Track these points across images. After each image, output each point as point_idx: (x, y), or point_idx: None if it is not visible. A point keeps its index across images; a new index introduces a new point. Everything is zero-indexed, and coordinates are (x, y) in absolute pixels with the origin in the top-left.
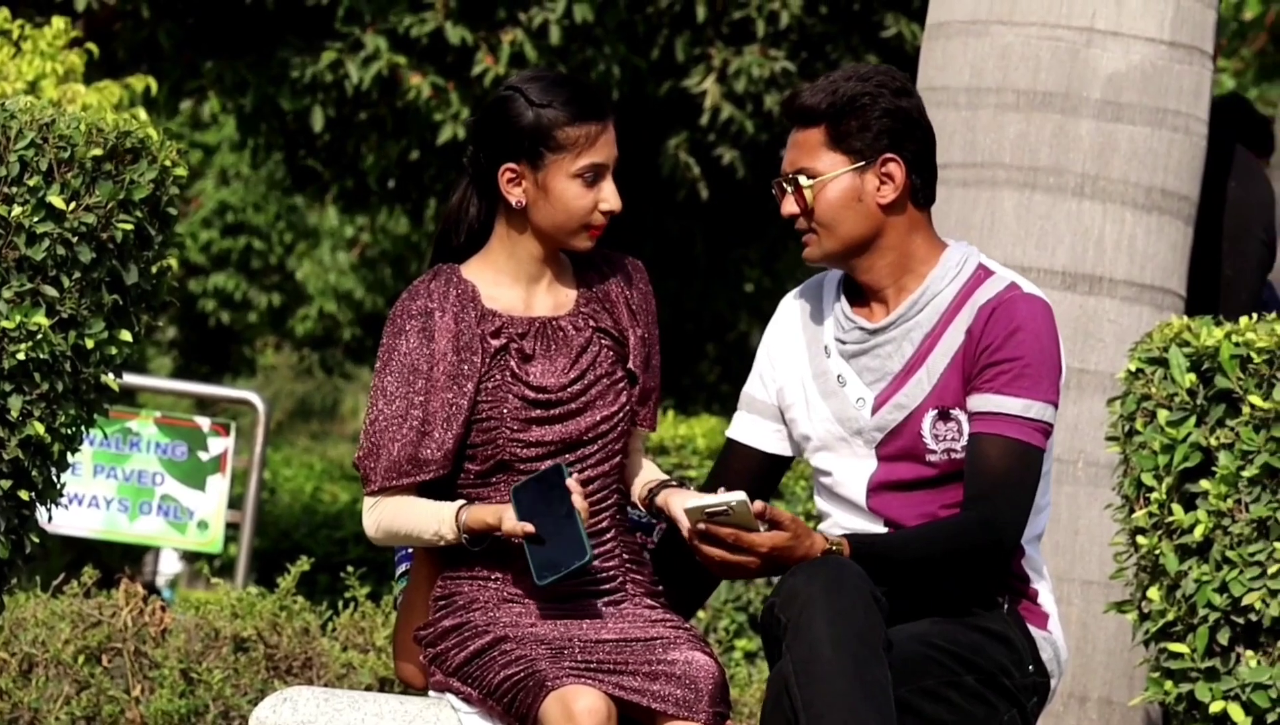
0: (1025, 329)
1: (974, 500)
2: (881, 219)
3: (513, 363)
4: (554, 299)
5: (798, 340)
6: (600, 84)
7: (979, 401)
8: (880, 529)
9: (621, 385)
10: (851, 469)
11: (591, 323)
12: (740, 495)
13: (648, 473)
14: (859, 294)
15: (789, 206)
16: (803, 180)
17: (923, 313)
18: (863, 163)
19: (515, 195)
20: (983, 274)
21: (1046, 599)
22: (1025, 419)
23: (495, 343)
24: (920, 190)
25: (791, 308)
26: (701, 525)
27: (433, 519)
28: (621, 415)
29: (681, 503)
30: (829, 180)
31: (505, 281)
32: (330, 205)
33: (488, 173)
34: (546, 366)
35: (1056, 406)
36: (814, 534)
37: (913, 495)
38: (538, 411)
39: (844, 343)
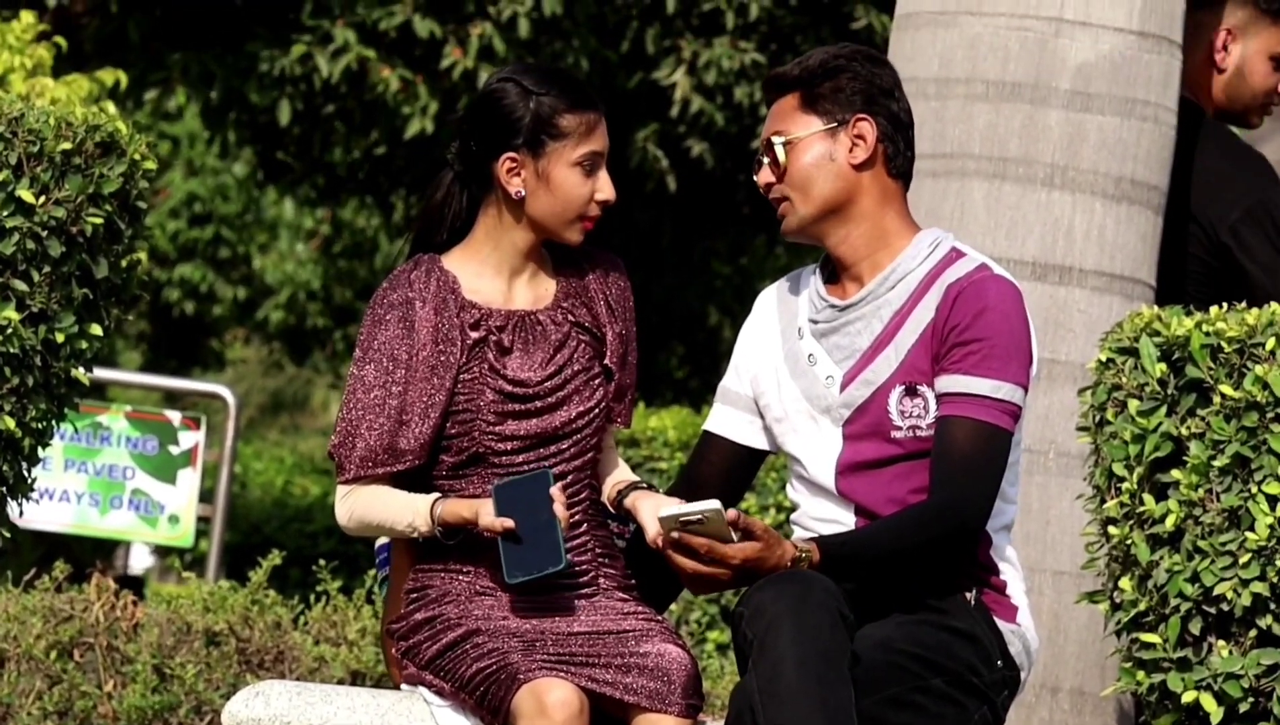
0: (994, 310)
1: (940, 484)
2: (854, 180)
3: (490, 355)
4: (534, 293)
5: (773, 327)
6: None
7: (946, 382)
8: (850, 516)
9: (598, 381)
10: (820, 450)
11: (570, 318)
12: (715, 504)
13: (618, 473)
14: (834, 275)
15: (764, 176)
16: (776, 140)
17: (893, 290)
18: (835, 124)
19: (515, 185)
20: (954, 255)
21: (1015, 589)
22: (994, 400)
23: (474, 335)
24: (894, 159)
25: (769, 298)
26: (675, 534)
27: (407, 510)
28: (597, 411)
29: (653, 509)
30: (802, 139)
31: (487, 273)
32: (289, 198)
33: (480, 165)
34: (524, 360)
35: (1026, 389)
36: (785, 543)
37: (880, 475)
38: (514, 405)
39: (816, 322)
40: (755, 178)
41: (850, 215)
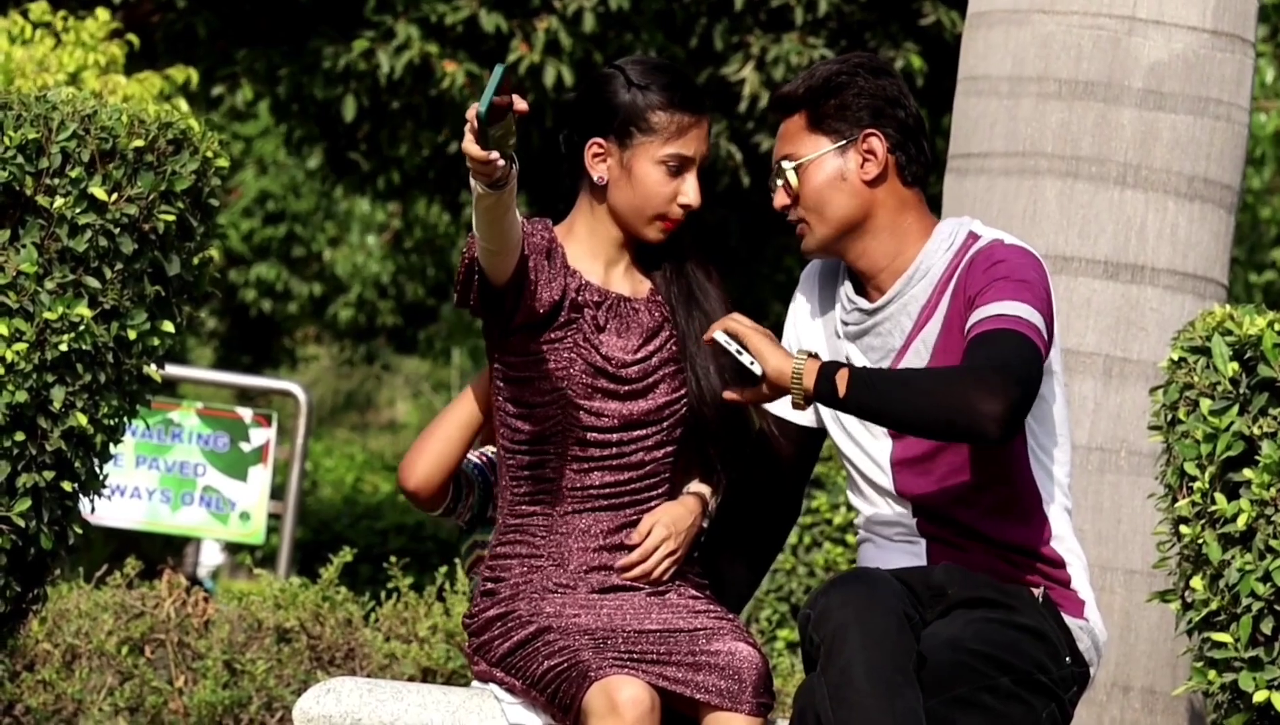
0: (1005, 261)
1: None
2: (868, 196)
3: (585, 327)
4: (631, 284)
5: (816, 318)
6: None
7: (967, 324)
8: (909, 515)
9: (685, 375)
10: (871, 451)
11: (664, 312)
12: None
13: (690, 487)
14: (858, 280)
15: (779, 199)
16: (786, 165)
17: (917, 287)
18: (844, 142)
19: (599, 171)
20: (971, 240)
21: (1081, 583)
22: (1011, 314)
23: (574, 297)
24: (906, 168)
25: (810, 284)
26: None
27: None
28: (681, 403)
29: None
30: (812, 161)
31: (586, 256)
32: (359, 196)
33: (577, 148)
34: (617, 341)
35: (1047, 321)
36: (779, 349)
37: (932, 469)
38: (602, 381)
39: (847, 325)
40: (773, 201)
41: (868, 230)
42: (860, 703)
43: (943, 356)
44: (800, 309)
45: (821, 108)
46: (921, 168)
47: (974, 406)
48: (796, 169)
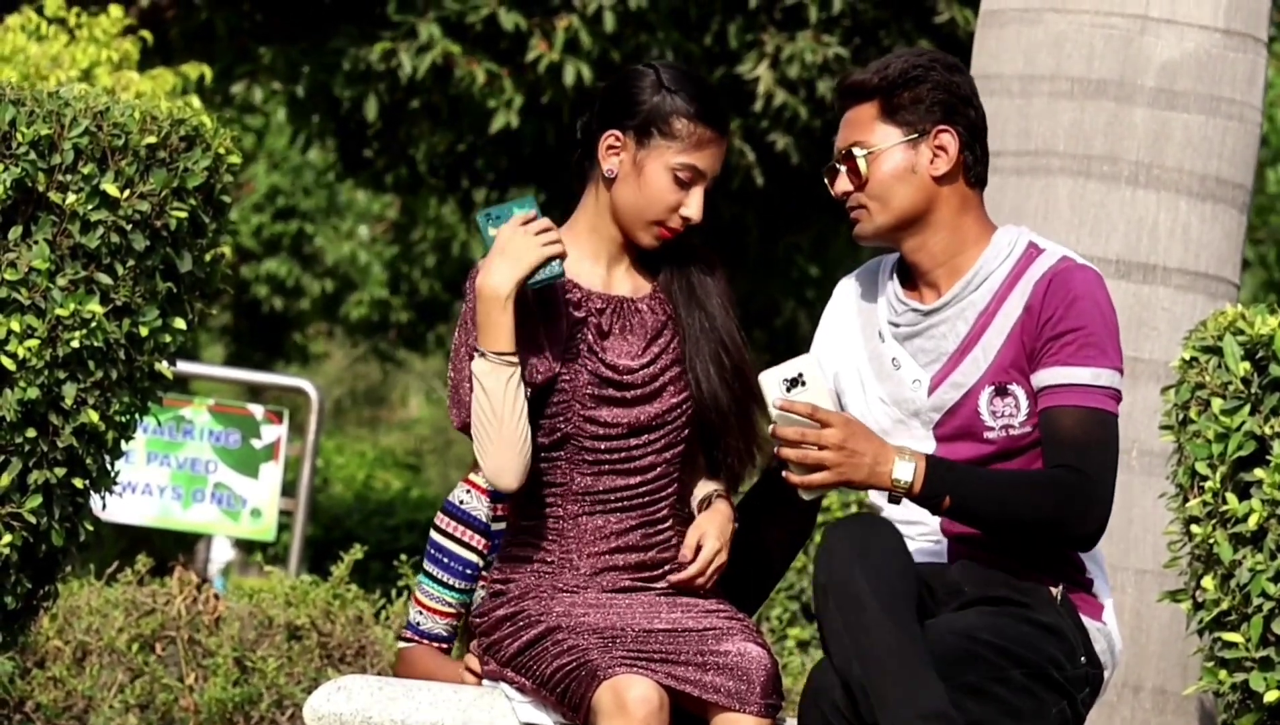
0: (1085, 298)
1: (1056, 464)
2: (934, 191)
3: (590, 336)
4: (632, 282)
5: (853, 324)
6: None
7: (1047, 376)
8: (935, 518)
9: (688, 376)
10: None
11: (667, 310)
12: (809, 357)
13: (704, 487)
14: (911, 277)
15: (842, 185)
16: (857, 151)
17: (976, 292)
18: (916, 135)
19: (610, 163)
20: (1034, 252)
21: (1101, 588)
22: (1096, 387)
23: (576, 314)
24: (972, 168)
25: (847, 291)
26: (780, 402)
27: (493, 376)
28: (689, 404)
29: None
30: (883, 151)
31: (587, 258)
32: (365, 189)
33: (592, 138)
34: (622, 345)
35: (1122, 373)
36: (885, 446)
37: None
38: (610, 390)
39: (897, 326)
40: (830, 186)
41: (928, 224)
42: (873, 628)
43: (1004, 372)
44: (836, 315)
45: (895, 99)
46: (985, 169)
47: (1070, 524)
48: (867, 156)
